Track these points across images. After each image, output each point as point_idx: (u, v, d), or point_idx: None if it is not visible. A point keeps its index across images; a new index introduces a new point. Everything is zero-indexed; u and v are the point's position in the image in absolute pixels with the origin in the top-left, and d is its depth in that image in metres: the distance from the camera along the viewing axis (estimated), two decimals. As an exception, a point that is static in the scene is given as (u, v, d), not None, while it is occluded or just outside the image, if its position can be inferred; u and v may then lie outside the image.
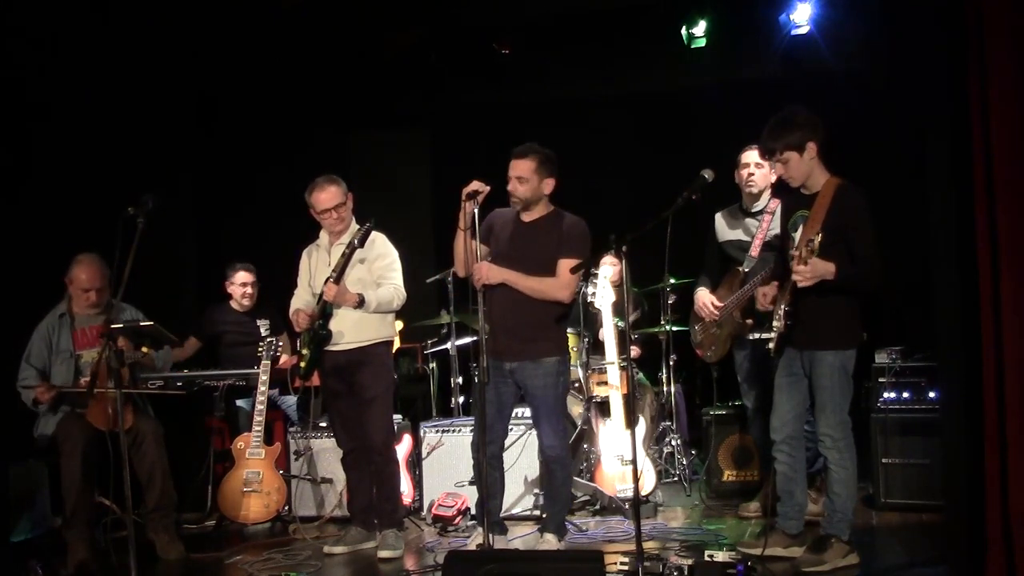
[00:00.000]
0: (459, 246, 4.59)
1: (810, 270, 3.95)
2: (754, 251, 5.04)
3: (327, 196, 4.93)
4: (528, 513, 5.42)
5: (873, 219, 4.11)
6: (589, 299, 5.74)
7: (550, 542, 4.63)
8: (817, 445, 4.25)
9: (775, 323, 4.19)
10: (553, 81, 7.82)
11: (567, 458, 4.74)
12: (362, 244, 4.78)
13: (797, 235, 4.19)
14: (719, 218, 5.28)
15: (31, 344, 5.19)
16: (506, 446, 5.02)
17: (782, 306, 4.14)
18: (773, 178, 4.99)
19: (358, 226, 4.93)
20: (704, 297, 5.26)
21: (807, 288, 4.02)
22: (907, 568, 4.25)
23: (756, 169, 5.04)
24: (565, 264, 4.48)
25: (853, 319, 4.21)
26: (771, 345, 4.24)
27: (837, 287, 4.05)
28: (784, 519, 4.36)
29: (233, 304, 6.47)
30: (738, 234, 5.18)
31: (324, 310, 4.89)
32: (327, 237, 5.07)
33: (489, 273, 4.49)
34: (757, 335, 4.86)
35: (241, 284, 6.41)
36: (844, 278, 4.02)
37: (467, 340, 6.33)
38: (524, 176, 4.53)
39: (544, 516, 4.81)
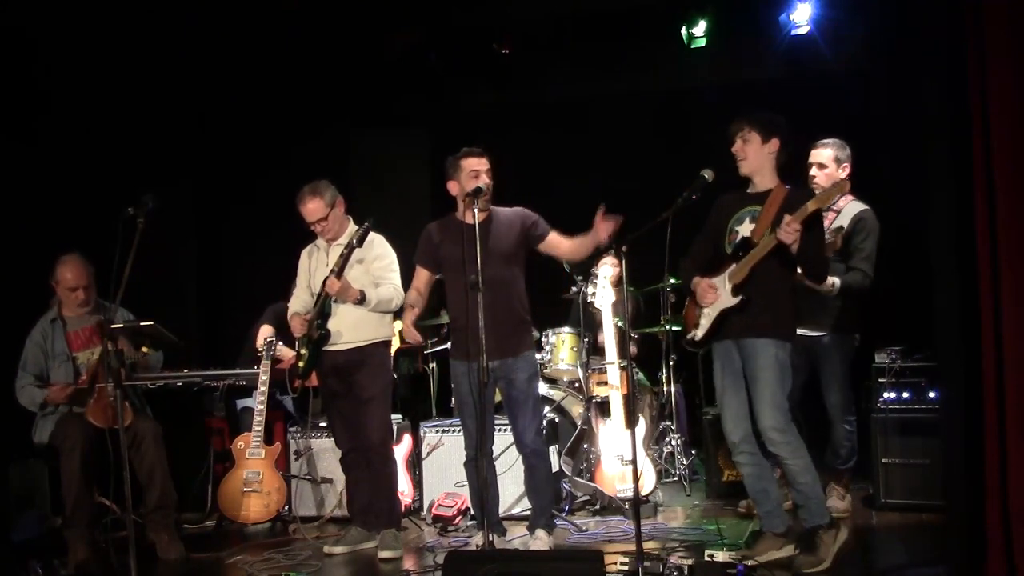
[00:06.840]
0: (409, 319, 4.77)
1: (796, 228, 3.95)
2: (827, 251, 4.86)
3: (309, 210, 4.91)
4: (528, 513, 5.41)
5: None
6: (589, 299, 5.73)
7: (541, 538, 4.63)
8: (764, 443, 4.21)
9: (720, 301, 4.20)
10: (553, 81, 7.82)
11: (547, 452, 4.81)
12: (360, 244, 4.77)
13: (741, 228, 4.21)
14: None
15: (25, 352, 5.17)
16: (504, 448, 5.03)
17: (729, 284, 4.16)
18: (842, 174, 4.92)
19: (356, 226, 4.92)
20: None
21: (754, 275, 4.08)
22: (907, 568, 4.26)
23: (818, 171, 4.97)
24: (557, 234, 4.69)
25: (791, 313, 4.25)
26: (700, 333, 4.28)
27: (793, 264, 4.11)
28: (769, 519, 4.30)
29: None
30: None
31: (322, 310, 4.89)
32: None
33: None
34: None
35: None
36: (803, 250, 4.02)
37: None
38: (489, 170, 4.66)
39: (531, 513, 4.80)
